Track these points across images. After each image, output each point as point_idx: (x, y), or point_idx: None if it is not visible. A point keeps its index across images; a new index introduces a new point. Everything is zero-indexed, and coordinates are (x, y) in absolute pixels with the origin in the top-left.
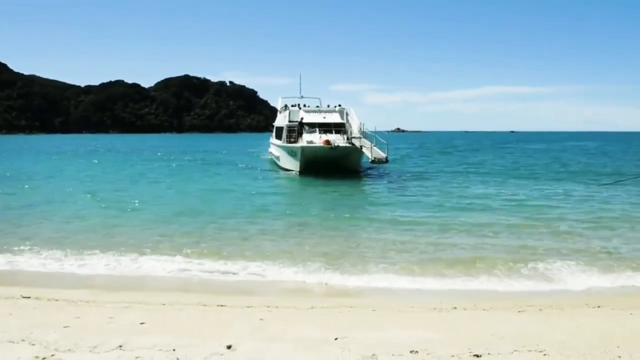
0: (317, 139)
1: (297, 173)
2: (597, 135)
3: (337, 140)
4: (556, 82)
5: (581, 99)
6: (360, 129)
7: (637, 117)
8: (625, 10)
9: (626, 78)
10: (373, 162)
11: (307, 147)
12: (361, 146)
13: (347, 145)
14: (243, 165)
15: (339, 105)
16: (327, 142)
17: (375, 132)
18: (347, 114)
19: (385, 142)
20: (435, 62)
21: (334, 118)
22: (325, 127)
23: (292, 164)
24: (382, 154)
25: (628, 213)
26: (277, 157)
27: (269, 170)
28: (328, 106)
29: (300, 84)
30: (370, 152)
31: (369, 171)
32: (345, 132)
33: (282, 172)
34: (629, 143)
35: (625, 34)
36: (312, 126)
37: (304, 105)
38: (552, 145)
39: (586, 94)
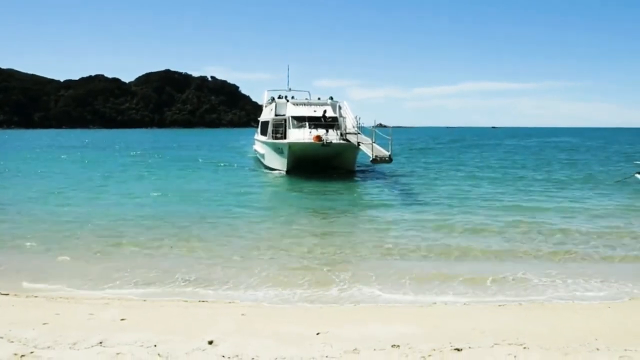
0: (306, 135)
1: (285, 173)
2: (579, 131)
3: (330, 135)
4: (536, 79)
5: (561, 95)
6: (356, 123)
7: (617, 114)
8: (605, 7)
9: (605, 75)
10: (374, 161)
11: (295, 143)
12: (358, 143)
13: (341, 141)
14: (224, 164)
15: (331, 98)
16: (318, 137)
17: (376, 127)
18: (339, 107)
19: (388, 137)
20: (417, 59)
21: (326, 111)
22: (316, 122)
23: (279, 163)
24: (384, 152)
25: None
26: (262, 155)
27: (252, 170)
28: (319, 99)
29: (288, 76)
30: (371, 149)
31: (367, 171)
32: (338, 127)
33: (267, 172)
34: (609, 139)
35: (606, 30)
36: (301, 120)
37: (292, 98)
38: (540, 141)
39: (566, 90)
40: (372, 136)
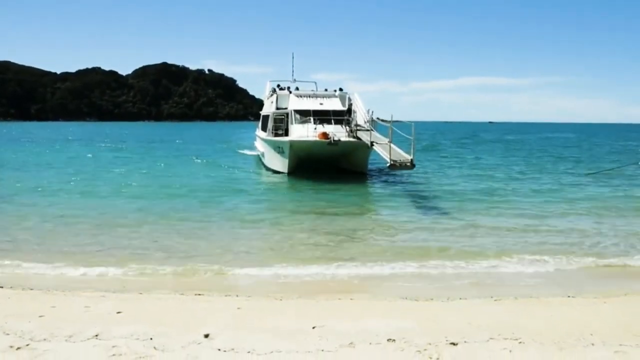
0: (311, 131)
1: (286, 175)
2: (578, 127)
3: (338, 132)
4: (533, 74)
5: (558, 91)
6: (369, 118)
7: (614, 110)
8: (604, 3)
9: (603, 71)
10: (393, 167)
11: (297, 141)
12: (372, 142)
13: (351, 139)
14: (220, 164)
15: (340, 89)
16: (325, 135)
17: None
18: (349, 100)
19: (410, 137)
20: (414, 53)
21: (334, 104)
22: (322, 116)
23: (279, 163)
24: (404, 156)
25: (606, 202)
26: (262, 154)
27: (250, 172)
28: (326, 90)
29: (292, 65)
30: (388, 152)
31: (380, 173)
32: (348, 123)
33: (267, 173)
34: (602, 135)
35: (605, 27)
36: (305, 114)
37: (296, 89)
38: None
39: (563, 86)
40: (389, 134)
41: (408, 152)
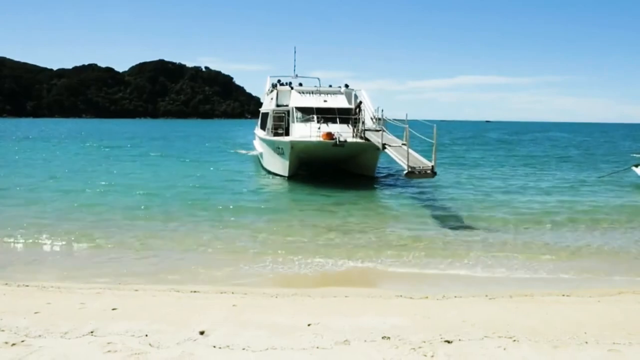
0: (314, 131)
1: (286, 178)
2: (577, 126)
3: (344, 132)
4: (531, 73)
5: (556, 89)
6: (379, 116)
7: (613, 109)
8: (600, 2)
9: (601, 70)
10: (410, 174)
11: (298, 142)
12: (384, 145)
13: (358, 140)
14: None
15: (346, 86)
16: (329, 135)
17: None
18: (356, 97)
19: (432, 141)
20: (411, 52)
21: (339, 102)
22: (327, 114)
23: (279, 165)
24: (424, 162)
25: (605, 206)
26: (261, 155)
27: (247, 173)
28: (330, 86)
29: (294, 60)
30: (406, 157)
31: (390, 177)
32: (355, 122)
33: (266, 175)
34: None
35: (604, 25)
36: (308, 112)
37: (298, 85)
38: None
39: (561, 85)
40: (405, 136)
41: (427, 157)
